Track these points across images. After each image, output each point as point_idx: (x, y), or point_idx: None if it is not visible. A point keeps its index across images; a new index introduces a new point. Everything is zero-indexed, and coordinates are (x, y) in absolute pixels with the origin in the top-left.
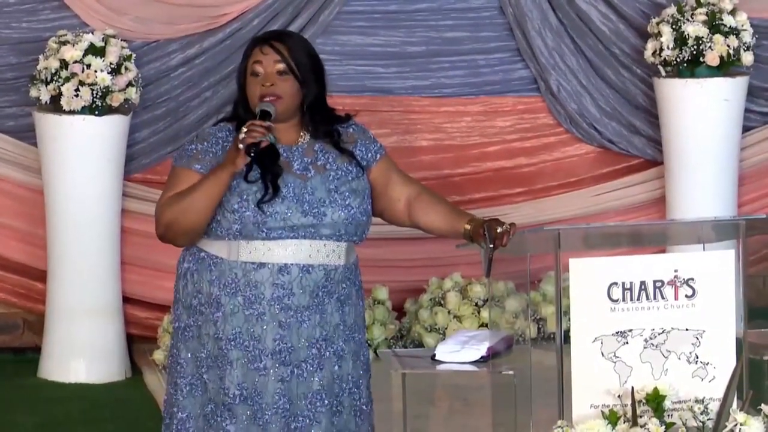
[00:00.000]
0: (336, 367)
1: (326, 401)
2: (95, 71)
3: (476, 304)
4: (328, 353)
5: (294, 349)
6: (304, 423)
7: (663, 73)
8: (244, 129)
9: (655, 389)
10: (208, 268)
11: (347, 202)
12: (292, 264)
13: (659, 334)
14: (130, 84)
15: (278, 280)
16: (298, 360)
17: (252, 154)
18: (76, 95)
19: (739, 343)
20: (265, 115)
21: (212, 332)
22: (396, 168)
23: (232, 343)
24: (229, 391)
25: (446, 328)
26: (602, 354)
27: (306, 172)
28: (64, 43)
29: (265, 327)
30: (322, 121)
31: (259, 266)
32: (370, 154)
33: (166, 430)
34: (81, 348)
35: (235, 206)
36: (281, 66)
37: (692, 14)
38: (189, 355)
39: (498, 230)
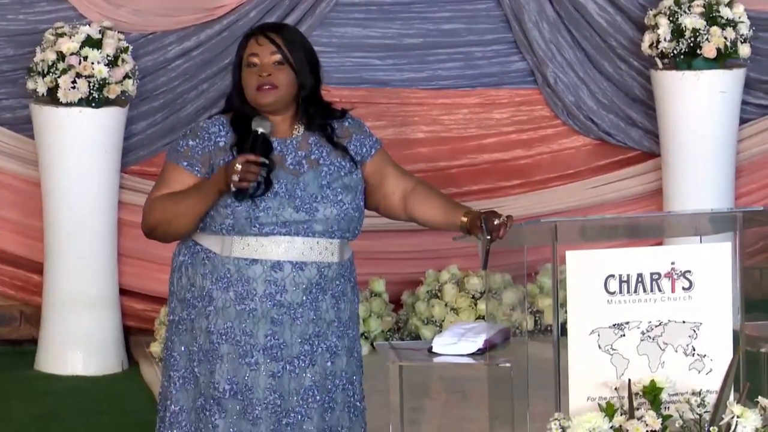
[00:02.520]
0: (329, 363)
1: (318, 397)
2: (92, 63)
3: (473, 297)
4: (320, 349)
5: (286, 345)
6: (296, 419)
7: (660, 65)
8: (239, 166)
9: (652, 382)
10: (202, 262)
11: (339, 198)
12: (284, 261)
13: (656, 326)
14: (127, 76)
15: (271, 277)
16: (290, 356)
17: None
18: (73, 87)
19: (736, 336)
20: (262, 144)
21: (204, 326)
22: (391, 161)
23: (223, 337)
24: (219, 385)
25: (443, 321)
26: (599, 346)
27: (299, 167)
28: (61, 35)
29: (257, 323)
30: (317, 114)
31: (251, 262)
32: (365, 149)
33: (161, 422)
34: (78, 340)
35: (227, 201)
36: (277, 57)
37: (689, 6)
38: (182, 348)
39: (495, 222)
